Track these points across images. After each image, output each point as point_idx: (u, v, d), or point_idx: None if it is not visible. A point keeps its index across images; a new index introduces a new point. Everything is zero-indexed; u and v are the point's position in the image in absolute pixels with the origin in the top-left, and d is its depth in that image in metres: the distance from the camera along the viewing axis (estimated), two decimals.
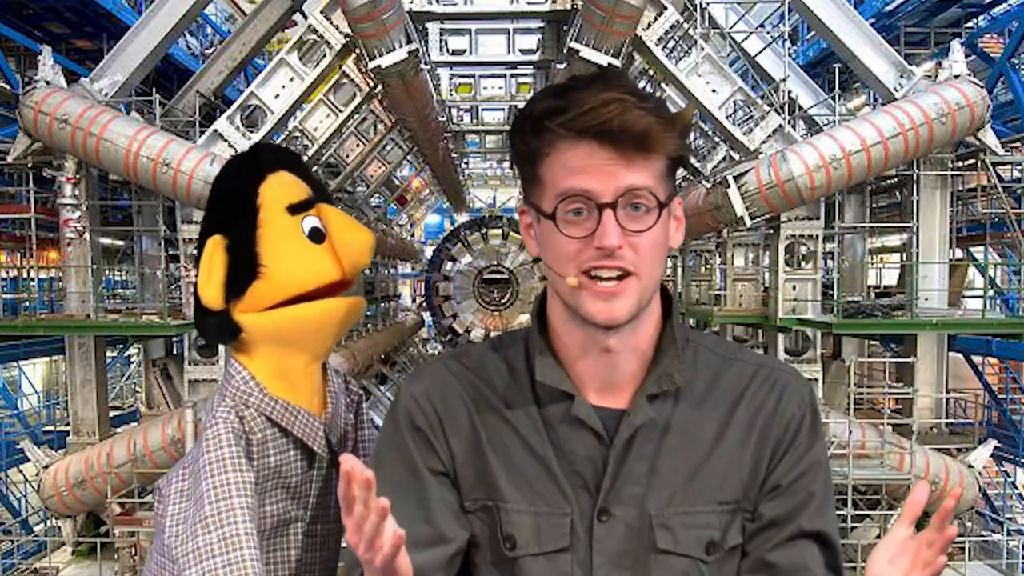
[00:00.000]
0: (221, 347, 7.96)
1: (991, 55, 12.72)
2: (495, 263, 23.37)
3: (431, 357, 25.05)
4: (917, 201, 9.82)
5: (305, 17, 10.09)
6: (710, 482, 1.24)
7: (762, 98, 9.89)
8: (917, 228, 9.84)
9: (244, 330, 1.63)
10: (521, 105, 15.45)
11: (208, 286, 1.64)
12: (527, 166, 1.21)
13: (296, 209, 1.63)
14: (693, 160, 12.38)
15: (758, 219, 9.35)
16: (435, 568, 1.21)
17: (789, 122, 9.80)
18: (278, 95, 9.55)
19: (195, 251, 1.77)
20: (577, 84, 1.18)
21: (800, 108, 11.02)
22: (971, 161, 9.96)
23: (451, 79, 15.09)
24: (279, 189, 1.65)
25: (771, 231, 10.17)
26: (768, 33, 11.77)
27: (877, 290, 13.30)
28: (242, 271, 1.61)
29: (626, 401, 1.25)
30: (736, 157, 10.26)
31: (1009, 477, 13.47)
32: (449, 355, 1.37)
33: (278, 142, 11.19)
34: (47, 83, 9.27)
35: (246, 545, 1.43)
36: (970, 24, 13.76)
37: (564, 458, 1.24)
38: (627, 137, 1.13)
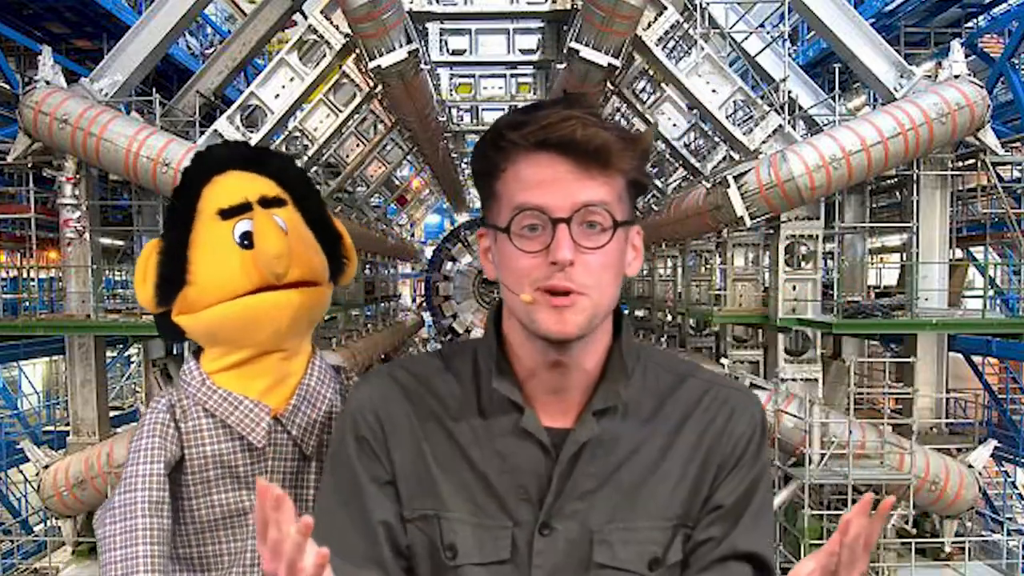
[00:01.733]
0: None
1: (991, 55, 12.72)
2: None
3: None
4: (917, 201, 9.82)
5: (305, 17, 10.10)
6: (654, 498, 1.24)
7: (762, 98, 9.89)
8: (917, 228, 9.84)
9: (185, 331, 1.67)
10: (521, 105, 15.61)
11: (141, 289, 1.67)
12: (486, 183, 1.22)
13: (228, 214, 1.61)
14: (693, 161, 12.38)
15: (758, 219, 9.34)
16: None
17: (789, 122, 9.80)
18: (278, 95, 9.55)
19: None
20: (541, 104, 1.19)
21: (800, 108, 11.02)
22: (971, 161, 9.95)
23: (451, 79, 15.10)
24: (218, 192, 1.63)
25: (771, 231, 10.17)
26: (768, 33, 11.77)
27: (877, 290, 13.30)
28: (172, 276, 1.63)
29: (572, 421, 1.25)
30: (736, 157, 10.26)
31: (1009, 477, 13.47)
32: (396, 363, 1.38)
33: (278, 142, 11.21)
34: (47, 83, 9.27)
35: (142, 541, 1.48)
36: (970, 24, 13.77)
37: (508, 471, 1.24)
38: (585, 151, 1.13)
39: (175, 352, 10.86)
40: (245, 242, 1.59)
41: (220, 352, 1.66)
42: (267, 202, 1.63)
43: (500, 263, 1.21)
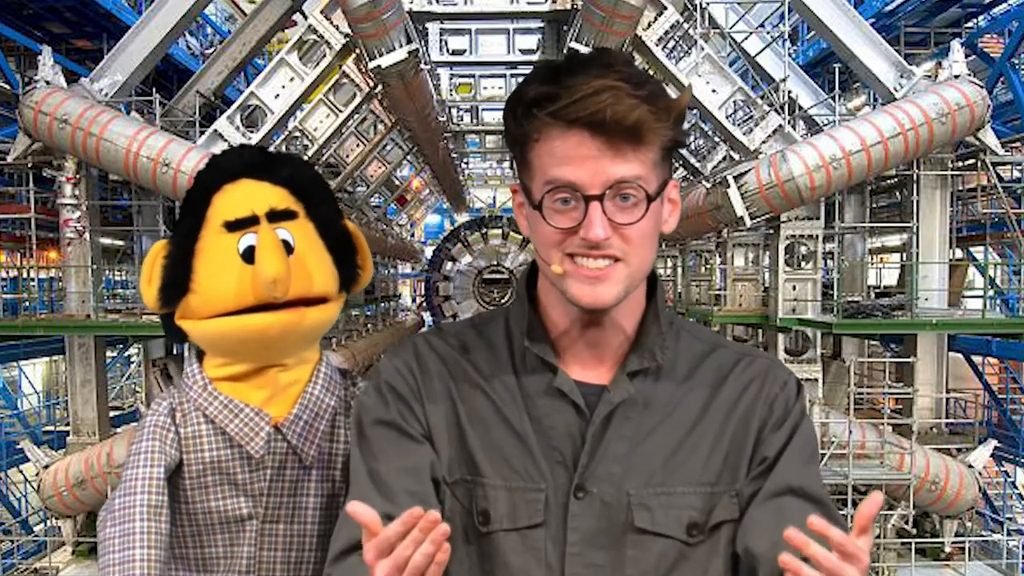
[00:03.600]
0: None
1: (991, 55, 12.72)
2: (495, 263, 23.36)
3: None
4: (917, 201, 9.82)
5: (305, 17, 10.10)
6: (692, 462, 1.23)
7: (762, 98, 9.89)
8: (917, 228, 9.84)
9: (187, 334, 1.66)
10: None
11: (146, 290, 1.66)
12: (517, 148, 1.20)
13: (234, 226, 1.58)
14: (693, 160, 12.38)
15: (758, 219, 9.34)
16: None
17: (789, 122, 9.80)
18: (278, 95, 9.55)
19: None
20: (572, 66, 1.15)
21: (800, 108, 11.02)
22: (971, 161, 9.95)
23: (451, 79, 15.10)
24: (226, 203, 1.60)
25: (771, 231, 10.17)
26: (768, 33, 11.77)
27: (877, 290, 13.30)
28: (176, 283, 1.61)
29: (608, 378, 1.24)
30: (736, 157, 10.27)
31: (1009, 477, 13.46)
32: (429, 331, 1.38)
33: (278, 142, 11.21)
34: (47, 83, 9.26)
35: (139, 544, 1.47)
36: (970, 24, 13.76)
37: (542, 432, 1.22)
38: (618, 129, 1.11)
39: (175, 352, 10.87)
40: (249, 257, 1.57)
41: (222, 361, 1.65)
42: (276, 215, 1.60)
43: (533, 231, 1.22)
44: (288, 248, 1.58)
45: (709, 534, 1.22)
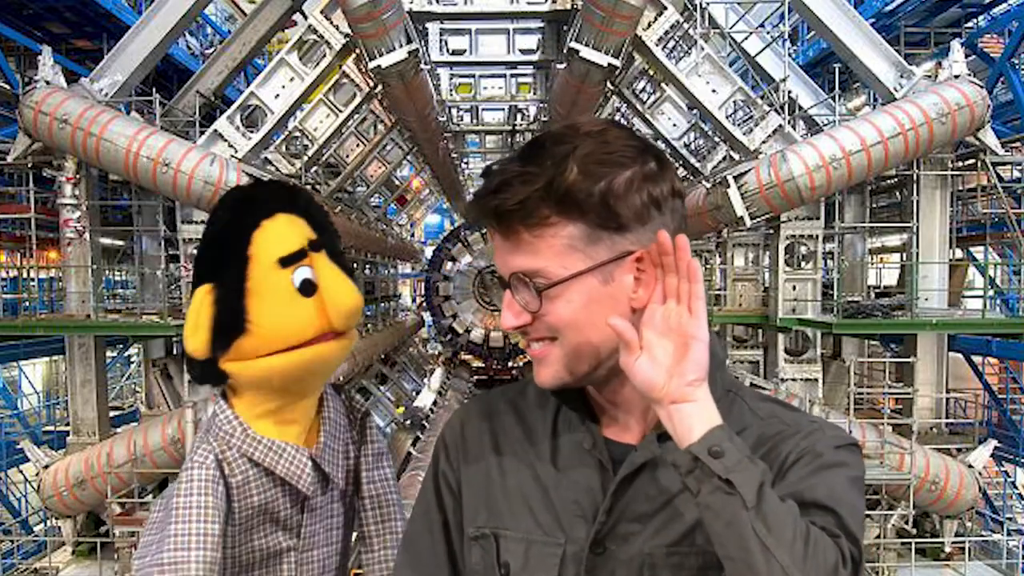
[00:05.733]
0: None
1: (991, 55, 12.72)
2: (495, 263, 23.37)
3: (430, 357, 25.22)
4: (917, 201, 9.83)
5: (305, 17, 10.10)
6: None
7: (762, 98, 9.89)
8: (917, 228, 9.85)
9: (230, 377, 1.63)
10: (521, 105, 15.53)
11: (194, 338, 1.61)
12: None
13: (288, 261, 1.58)
14: (693, 160, 12.36)
15: (758, 219, 9.35)
16: None
17: (789, 122, 9.80)
18: (278, 95, 9.56)
19: (190, 292, 1.73)
20: (502, 161, 1.16)
21: (800, 108, 11.02)
22: (971, 161, 9.96)
23: (451, 79, 15.09)
24: (272, 239, 1.59)
25: (771, 231, 10.18)
26: (768, 33, 11.77)
27: (877, 290, 13.30)
28: (229, 325, 1.58)
29: (639, 439, 1.23)
30: (736, 157, 10.26)
31: (1009, 477, 13.46)
32: (498, 388, 1.41)
33: (278, 142, 11.21)
34: (47, 83, 9.27)
35: None
36: (970, 24, 13.77)
37: (568, 487, 1.23)
38: (502, 215, 1.11)
39: (175, 352, 10.88)
40: (306, 290, 1.57)
41: (261, 398, 1.64)
42: (313, 245, 1.61)
43: None
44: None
45: None
